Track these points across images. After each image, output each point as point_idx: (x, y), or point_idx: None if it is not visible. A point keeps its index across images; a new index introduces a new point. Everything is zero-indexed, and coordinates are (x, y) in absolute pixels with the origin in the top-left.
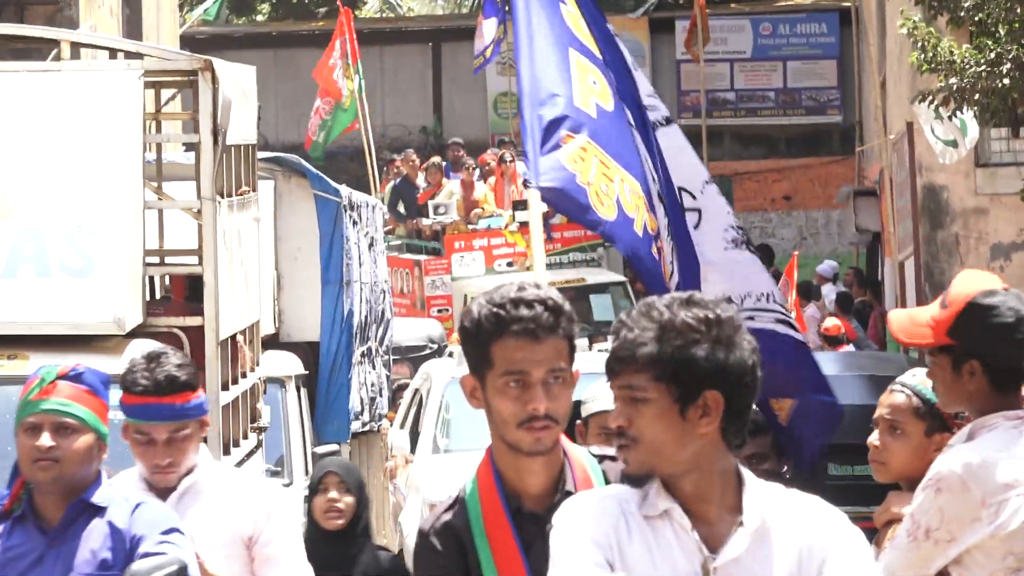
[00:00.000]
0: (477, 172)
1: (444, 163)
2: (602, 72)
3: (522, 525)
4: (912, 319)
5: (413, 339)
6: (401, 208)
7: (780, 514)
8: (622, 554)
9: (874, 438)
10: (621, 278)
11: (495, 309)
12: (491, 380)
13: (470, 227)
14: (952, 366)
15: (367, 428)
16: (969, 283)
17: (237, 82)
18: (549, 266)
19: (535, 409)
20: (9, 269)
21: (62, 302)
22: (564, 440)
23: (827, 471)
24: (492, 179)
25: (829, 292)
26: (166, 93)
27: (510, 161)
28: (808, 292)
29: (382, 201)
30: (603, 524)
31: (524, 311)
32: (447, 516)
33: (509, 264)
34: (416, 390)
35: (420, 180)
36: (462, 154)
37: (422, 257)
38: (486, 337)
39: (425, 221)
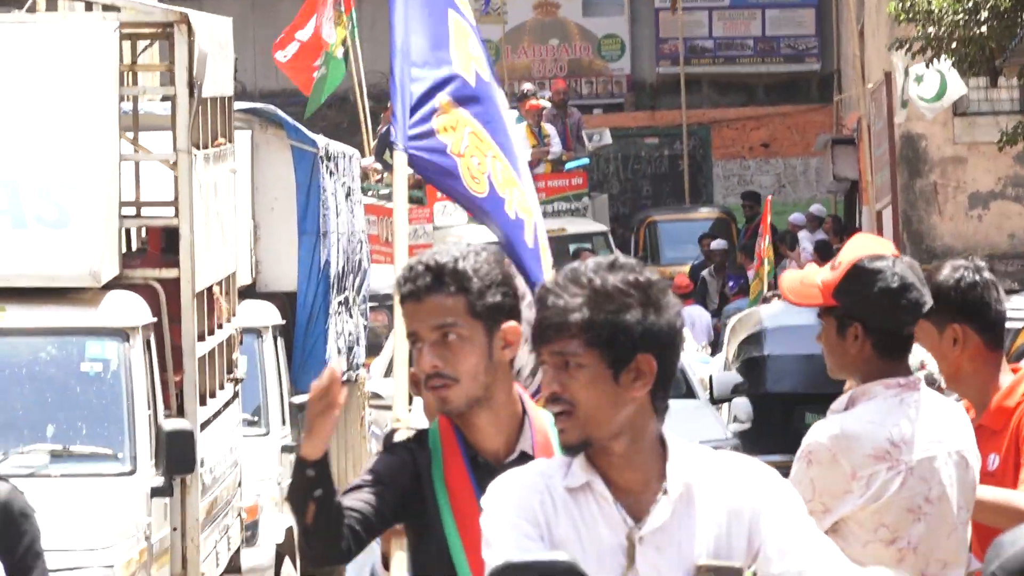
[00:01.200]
0: None
1: None
2: (478, 39)
3: (479, 475)
4: (802, 280)
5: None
6: (388, 157)
7: (706, 477)
8: (550, 531)
9: None
10: (603, 228)
11: (398, 277)
12: None
13: None
14: (837, 329)
15: (345, 377)
16: (859, 247)
17: (213, 34)
18: None
19: (420, 368)
20: None
21: (38, 254)
22: (528, 402)
23: (804, 420)
24: None
25: (803, 240)
26: (142, 44)
27: None
28: (787, 240)
29: (370, 151)
30: (530, 501)
31: (408, 275)
32: (414, 445)
33: None
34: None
35: None
36: None
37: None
38: (400, 302)
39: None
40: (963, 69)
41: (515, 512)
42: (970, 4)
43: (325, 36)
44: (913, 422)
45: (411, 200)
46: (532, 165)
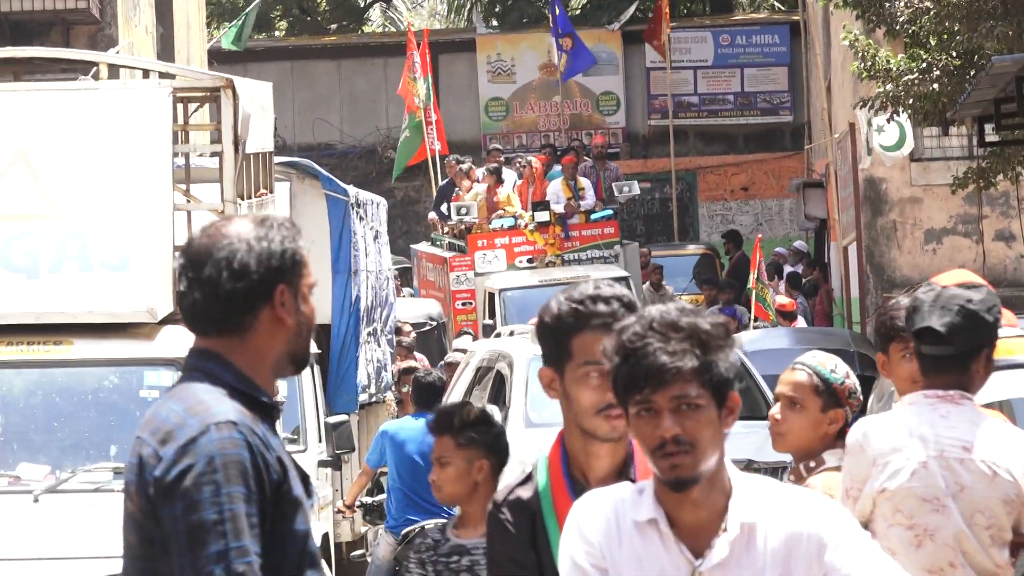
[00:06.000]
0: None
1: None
2: None
3: None
4: None
5: (415, 316)
6: (444, 209)
7: (768, 513)
8: (612, 559)
9: (775, 411)
10: (623, 273)
11: (575, 305)
12: (570, 371)
13: (490, 227)
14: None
15: (373, 400)
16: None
17: (255, 97)
18: (567, 263)
19: (611, 398)
20: (56, 265)
21: (101, 294)
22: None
23: None
24: (519, 181)
25: (787, 271)
26: (193, 107)
27: (533, 165)
28: (770, 270)
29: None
30: (596, 534)
31: (601, 307)
32: (519, 491)
33: (530, 261)
34: (480, 368)
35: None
36: (502, 160)
37: (448, 254)
38: (567, 331)
39: (450, 221)
40: (918, 120)
41: (581, 549)
42: (924, 64)
43: (416, 99)
44: (937, 426)
45: (454, 248)
46: (567, 216)
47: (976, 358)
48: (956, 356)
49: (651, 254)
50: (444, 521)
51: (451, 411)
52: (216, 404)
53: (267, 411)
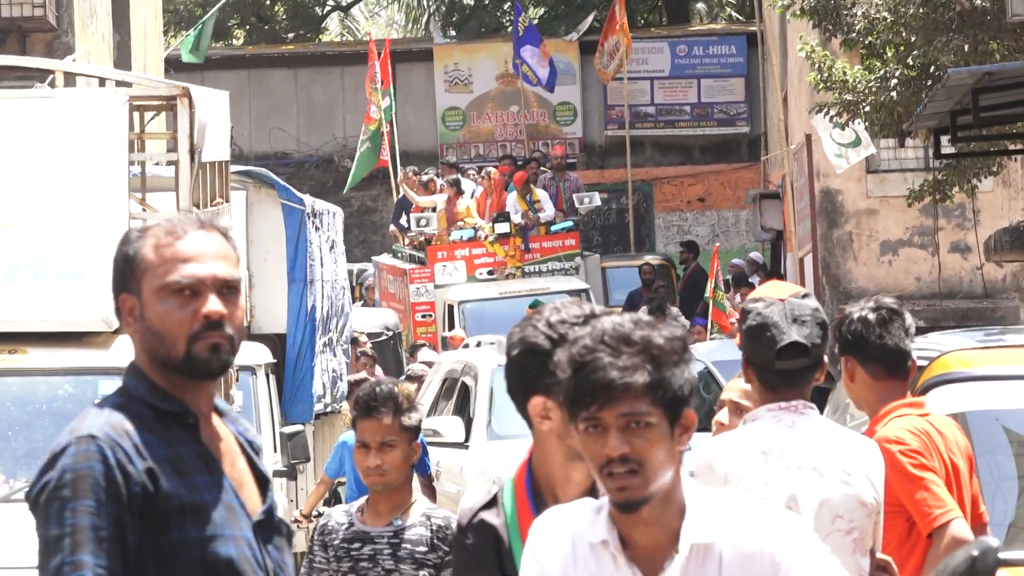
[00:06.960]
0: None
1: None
2: None
3: None
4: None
5: (372, 327)
6: (403, 221)
7: (722, 531)
8: None
9: (722, 416)
10: (584, 286)
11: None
12: None
13: (450, 239)
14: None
15: (328, 409)
16: (759, 290)
17: (212, 106)
18: (528, 275)
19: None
20: (10, 273)
21: (56, 303)
22: None
23: None
24: (479, 190)
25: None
26: (149, 115)
27: (492, 176)
28: (739, 280)
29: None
30: (552, 552)
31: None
32: (484, 514)
33: (490, 273)
34: (446, 379)
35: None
36: (455, 175)
37: (408, 266)
38: None
39: (410, 233)
40: (874, 131)
41: (536, 564)
42: (881, 73)
43: (372, 111)
44: (784, 437)
45: (414, 260)
46: (527, 228)
47: (821, 367)
48: (809, 367)
49: (655, 272)
50: (354, 504)
51: (390, 390)
52: (92, 418)
53: (176, 418)
